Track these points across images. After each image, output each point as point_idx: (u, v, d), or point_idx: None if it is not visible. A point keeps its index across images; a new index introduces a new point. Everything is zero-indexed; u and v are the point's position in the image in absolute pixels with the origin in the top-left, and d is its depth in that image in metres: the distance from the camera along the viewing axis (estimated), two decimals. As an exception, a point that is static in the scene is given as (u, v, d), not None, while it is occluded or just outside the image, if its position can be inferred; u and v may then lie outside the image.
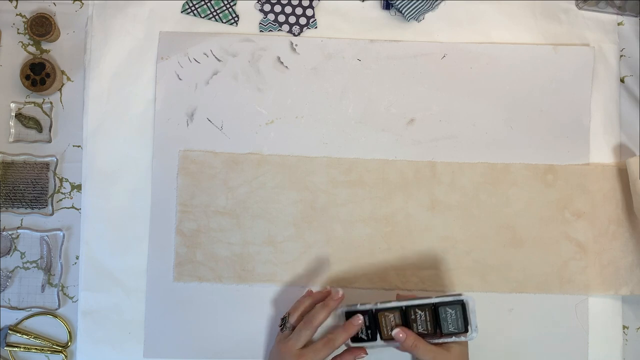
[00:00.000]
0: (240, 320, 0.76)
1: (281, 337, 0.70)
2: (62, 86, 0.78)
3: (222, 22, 0.79)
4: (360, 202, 0.77)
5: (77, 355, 0.76)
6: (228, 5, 0.79)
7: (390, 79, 0.79)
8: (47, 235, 0.77)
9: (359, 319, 0.68)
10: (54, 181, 0.77)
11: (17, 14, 0.78)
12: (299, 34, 0.79)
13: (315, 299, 0.72)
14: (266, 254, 0.77)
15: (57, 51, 0.78)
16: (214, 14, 0.79)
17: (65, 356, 0.76)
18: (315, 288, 0.76)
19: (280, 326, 0.71)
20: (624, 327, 0.78)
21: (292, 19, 0.79)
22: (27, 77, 0.76)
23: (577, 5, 0.80)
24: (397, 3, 0.77)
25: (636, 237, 0.78)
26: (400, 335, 0.67)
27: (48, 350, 0.76)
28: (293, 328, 0.70)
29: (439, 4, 0.79)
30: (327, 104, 0.78)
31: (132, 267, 0.76)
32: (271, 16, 0.79)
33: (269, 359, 0.72)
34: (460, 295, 0.67)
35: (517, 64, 0.79)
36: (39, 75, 0.75)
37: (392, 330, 0.68)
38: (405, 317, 0.68)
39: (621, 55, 0.80)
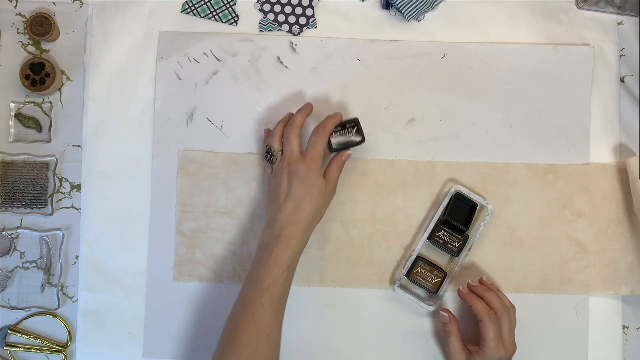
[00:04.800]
0: (240, 320, 0.76)
1: (276, 166, 0.71)
2: (62, 86, 0.78)
3: (222, 22, 0.79)
4: (360, 202, 0.77)
5: (77, 355, 0.76)
6: (228, 5, 0.79)
7: (390, 79, 0.79)
8: (47, 235, 0.77)
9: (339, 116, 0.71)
10: (54, 181, 0.77)
11: (17, 14, 0.78)
12: (299, 34, 0.79)
13: (287, 120, 0.73)
14: (266, 254, 0.76)
15: (57, 51, 0.78)
16: (214, 13, 0.79)
17: (65, 356, 0.76)
18: (314, 288, 0.76)
19: (269, 159, 0.72)
20: (624, 327, 0.78)
21: (292, 19, 0.79)
22: (27, 77, 0.76)
23: (577, 5, 0.80)
24: (397, 3, 0.77)
25: (636, 237, 0.77)
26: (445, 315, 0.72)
27: (48, 350, 0.76)
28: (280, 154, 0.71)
29: (439, 4, 0.79)
30: (327, 104, 0.78)
31: (132, 267, 0.76)
32: (271, 16, 0.79)
33: (270, 198, 0.71)
34: None
35: (517, 64, 0.79)
36: (38, 75, 0.75)
37: None
38: None
39: (621, 55, 0.80)
